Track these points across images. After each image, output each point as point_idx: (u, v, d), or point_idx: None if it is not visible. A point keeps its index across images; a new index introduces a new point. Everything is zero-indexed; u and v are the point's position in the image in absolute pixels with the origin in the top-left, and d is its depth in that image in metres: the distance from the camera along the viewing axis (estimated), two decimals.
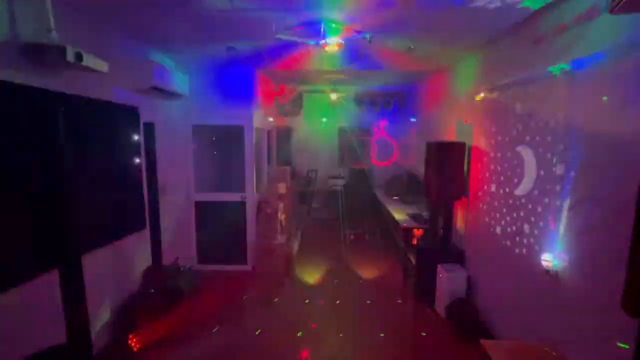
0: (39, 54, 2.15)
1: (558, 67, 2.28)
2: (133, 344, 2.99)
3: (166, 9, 2.59)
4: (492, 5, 2.42)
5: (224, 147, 5.41)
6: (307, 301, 3.99)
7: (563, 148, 2.26)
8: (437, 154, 3.91)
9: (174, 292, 3.46)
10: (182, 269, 4.00)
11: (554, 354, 2.11)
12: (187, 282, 3.81)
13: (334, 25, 2.85)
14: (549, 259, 2.32)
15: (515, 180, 2.82)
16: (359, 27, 2.93)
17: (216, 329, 3.40)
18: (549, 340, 2.32)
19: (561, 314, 2.26)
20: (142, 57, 3.49)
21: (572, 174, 2.15)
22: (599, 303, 1.93)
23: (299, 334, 3.32)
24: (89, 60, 2.33)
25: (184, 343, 3.18)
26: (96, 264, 2.83)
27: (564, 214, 2.23)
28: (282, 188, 5.32)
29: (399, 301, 3.86)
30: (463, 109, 4.08)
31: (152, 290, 3.37)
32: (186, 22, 2.90)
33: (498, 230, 3.10)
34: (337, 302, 3.99)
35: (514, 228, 2.84)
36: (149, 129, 3.47)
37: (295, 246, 5.63)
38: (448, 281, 3.59)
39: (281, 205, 5.13)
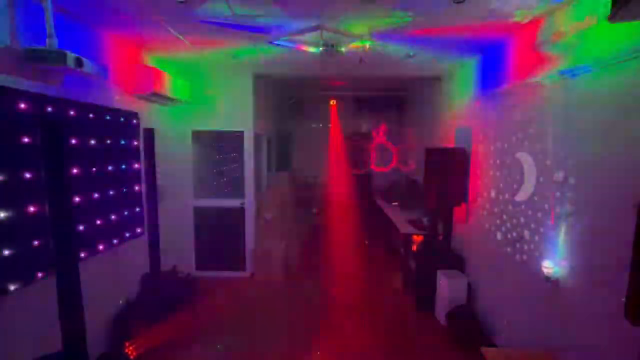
0: (39, 59, 2.15)
1: (557, 74, 2.29)
2: (130, 352, 2.95)
3: (168, 18, 2.61)
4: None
5: (223, 152, 5.40)
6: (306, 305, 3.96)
7: (563, 155, 2.26)
8: (437, 160, 3.92)
9: (171, 299, 3.43)
10: (180, 275, 3.97)
11: None
12: (185, 289, 3.78)
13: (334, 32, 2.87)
14: (550, 266, 2.31)
15: (515, 186, 2.82)
16: (358, 33, 2.94)
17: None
18: (550, 348, 2.30)
19: (562, 321, 2.24)
20: (142, 62, 3.50)
21: (572, 180, 2.15)
22: (600, 311, 1.91)
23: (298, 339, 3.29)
24: (89, 66, 2.33)
25: (182, 351, 3.14)
26: (93, 271, 2.80)
27: (564, 220, 2.22)
28: (281, 194, 5.31)
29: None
30: (462, 114, 4.09)
31: (150, 297, 3.35)
32: (188, 31, 2.91)
33: (498, 236, 3.09)
34: (334, 307, 3.96)
35: (514, 234, 2.83)
36: (149, 134, 3.46)
37: (295, 252, 5.59)
38: (448, 288, 3.56)
39: (280, 211, 5.10)
